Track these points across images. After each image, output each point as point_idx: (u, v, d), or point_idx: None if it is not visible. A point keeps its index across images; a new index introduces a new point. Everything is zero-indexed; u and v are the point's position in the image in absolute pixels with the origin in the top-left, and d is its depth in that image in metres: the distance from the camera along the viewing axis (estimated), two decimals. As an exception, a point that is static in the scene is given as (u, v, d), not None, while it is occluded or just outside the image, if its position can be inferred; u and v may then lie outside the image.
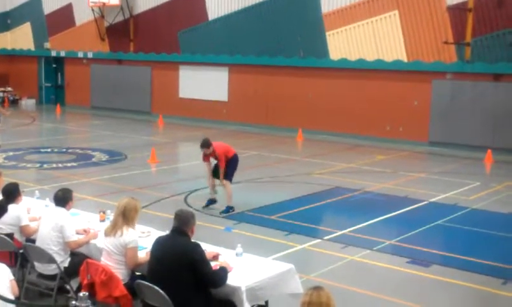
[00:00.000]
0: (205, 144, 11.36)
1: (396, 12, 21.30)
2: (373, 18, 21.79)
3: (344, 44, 22.51)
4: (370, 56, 21.90)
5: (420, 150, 20.30)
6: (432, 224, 11.26)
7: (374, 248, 9.71)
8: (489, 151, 18.25)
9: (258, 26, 24.38)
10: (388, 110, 21.55)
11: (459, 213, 12.12)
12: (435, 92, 20.70)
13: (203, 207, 11.69)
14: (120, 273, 6.18)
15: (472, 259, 9.37)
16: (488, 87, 19.80)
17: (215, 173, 11.62)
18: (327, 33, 22.82)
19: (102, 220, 7.63)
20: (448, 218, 11.67)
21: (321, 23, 22.91)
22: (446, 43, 20.13)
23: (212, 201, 11.83)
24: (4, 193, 7.45)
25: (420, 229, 10.91)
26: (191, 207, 11.51)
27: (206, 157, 11.57)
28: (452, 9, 20.10)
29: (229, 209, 11.55)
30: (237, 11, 25.00)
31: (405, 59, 21.24)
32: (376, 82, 21.81)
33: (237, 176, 15.06)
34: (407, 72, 21.17)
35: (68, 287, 6.78)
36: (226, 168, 11.46)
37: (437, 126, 20.72)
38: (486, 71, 19.76)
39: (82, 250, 6.93)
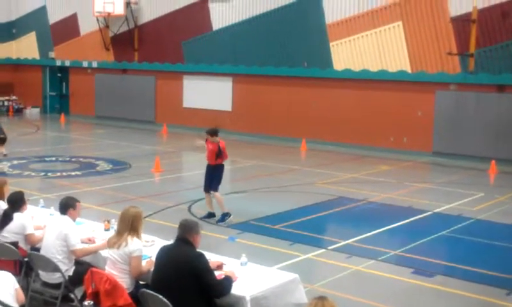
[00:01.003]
0: (215, 132, 11.56)
1: (400, 23, 21.35)
2: (377, 29, 21.84)
3: (347, 55, 22.55)
4: (374, 67, 21.93)
5: (424, 161, 20.29)
6: (436, 235, 11.24)
7: (379, 258, 9.70)
8: (493, 162, 18.22)
9: (262, 36, 24.45)
10: (392, 120, 21.56)
11: (463, 223, 12.10)
12: (439, 103, 20.71)
13: (201, 218, 11.62)
14: (125, 282, 6.18)
15: (475, 269, 9.35)
16: (491, 98, 19.80)
17: (206, 186, 11.61)
18: (331, 44, 22.88)
19: (107, 229, 7.64)
20: (452, 229, 11.66)
21: (325, 33, 22.96)
22: (450, 54, 20.15)
23: (211, 215, 11.73)
24: (9, 202, 7.47)
25: (424, 240, 10.89)
26: (195, 216, 11.52)
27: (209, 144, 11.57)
28: (456, 20, 20.14)
29: (224, 216, 11.52)
30: (241, 21, 25.08)
31: (409, 70, 21.26)
32: (380, 92, 21.84)
33: (240, 185, 15.09)
34: (411, 83, 21.19)
35: (72, 296, 6.78)
36: (212, 177, 11.51)
37: (441, 136, 20.71)
38: (489, 82, 19.78)
39: (87, 259, 6.94)
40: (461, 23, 20.04)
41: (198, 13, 26.25)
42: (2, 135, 18.41)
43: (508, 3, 19.34)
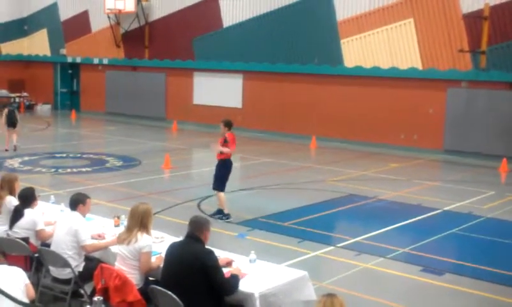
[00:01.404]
0: (230, 124, 11.46)
1: (411, 20, 21.26)
2: (388, 26, 21.76)
3: (358, 51, 22.49)
4: (385, 64, 21.86)
5: (435, 158, 20.21)
6: (446, 233, 11.20)
7: (388, 256, 9.69)
8: (504, 160, 18.12)
9: (272, 33, 24.43)
10: (403, 118, 21.49)
11: (473, 222, 12.05)
12: (450, 100, 20.62)
13: (210, 215, 11.55)
14: (134, 278, 6.22)
15: (485, 268, 9.32)
16: (503, 96, 19.68)
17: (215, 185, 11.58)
18: (342, 40, 22.83)
19: (117, 225, 7.68)
20: (462, 227, 11.61)
21: (336, 30, 22.91)
22: (461, 51, 20.05)
23: (220, 211, 11.66)
24: (20, 198, 7.53)
25: (434, 238, 10.86)
26: (205, 213, 11.54)
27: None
28: (468, 17, 20.03)
29: (222, 215, 11.51)
30: (252, 18, 25.07)
31: (420, 67, 21.18)
32: (391, 89, 21.77)
33: (250, 182, 15.11)
34: (422, 80, 21.11)
35: (82, 291, 6.82)
36: (217, 175, 11.49)
37: (452, 134, 20.61)
38: (501, 79, 19.66)
39: (97, 255, 6.97)
40: (473, 20, 19.93)
41: (209, 10, 26.26)
42: (14, 121, 18.72)
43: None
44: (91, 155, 18.65)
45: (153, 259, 6.40)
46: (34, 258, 7.05)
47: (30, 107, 32.32)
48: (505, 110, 19.56)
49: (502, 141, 19.53)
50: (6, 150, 18.45)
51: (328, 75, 23.10)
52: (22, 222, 7.28)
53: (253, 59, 24.92)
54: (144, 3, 28.17)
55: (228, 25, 25.79)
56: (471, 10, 19.99)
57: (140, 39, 28.65)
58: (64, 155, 18.87)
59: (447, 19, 20.54)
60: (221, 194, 11.58)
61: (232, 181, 15.49)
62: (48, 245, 7.08)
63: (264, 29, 24.67)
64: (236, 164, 18.42)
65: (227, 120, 11.64)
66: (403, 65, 21.48)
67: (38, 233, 7.32)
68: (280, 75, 24.34)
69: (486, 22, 19.72)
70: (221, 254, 6.40)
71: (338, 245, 10.26)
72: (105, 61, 30.28)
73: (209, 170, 11.39)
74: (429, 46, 20.98)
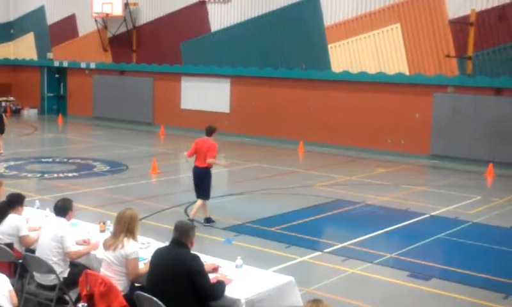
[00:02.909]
0: (213, 131, 11.33)
1: (398, 25, 21.36)
2: (375, 31, 21.85)
3: (346, 57, 22.56)
4: (372, 69, 21.94)
5: (422, 163, 20.29)
6: (433, 238, 11.23)
7: (375, 261, 9.69)
8: (490, 165, 18.23)
9: (260, 38, 24.46)
10: (390, 123, 21.56)
11: (460, 227, 12.09)
12: (437, 105, 20.72)
13: (204, 224, 11.41)
14: (120, 284, 6.16)
15: (472, 273, 9.34)
16: (489, 101, 19.80)
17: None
18: (329, 46, 22.88)
19: (102, 231, 7.62)
20: (449, 232, 11.64)
21: (323, 35, 22.97)
22: (448, 56, 20.17)
23: (209, 220, 11.47)
24: (8, 199, 7.46)
25: (421, 243, 10.88)
26: (189, 218, 11.47)
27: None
28: (454, 23, 20.15)
29: (210, 220, 11.45)
30: (240, 23, 25.08)
31: (407, 72, 21.27)
32: (378, 94, 21.84)
33: (238, 187, 15.09)
34: (409, 85, 21.20)
35: (67, 298, 6.76)
36: (202, 185, 11.22)
37: (439, 139, 20.71)
38: (487, 85, 19.79)
39: (82, 260, 6.91)
40: (459, 26, 20.06)
41: (196, 14, 26.25)
42: (2, 126, 18.64)
43: (506, 6, 19.36)
44: (77, 160, 18.54)
45: (141, 265, 6.35)
46: (18, 264, 6.97)
47: (17, 112, 32.10)
48: (491, 116, 19.68)
49: (488, 146, 19.65)
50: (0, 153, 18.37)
51: (316, 80, 23.15)
52: (6, 228, 7.18)
53: (241, 64, 24.92)
54: (132, 7, 28.11)
55: (216, 30, 25.78)
56: (457, 16, 20.12)
57: (128, 43, 28.57)
58: (51, 159, 18.74)
59: (433, 25, 20.66)
60: (206, 202, 11.45)
61: (220, 186, 15.49)
62: (33, 251, 7.01)
63: (252, 34, 24.69)
64: (223, 169, 18.41)
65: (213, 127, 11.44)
66: (390, 70, 21.57)
67: (21, 239, 7.24)
68: (267, 80, 24.35)
69: (472, 28, 19.84)
70: (207, 260, 6.37)
71: (326, 250, 10.25)
72: (92, 65, 30.16)
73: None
74: (415, 51, 21.09)
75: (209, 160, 11.17)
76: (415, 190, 15.83)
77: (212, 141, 11.28)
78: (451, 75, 20.42)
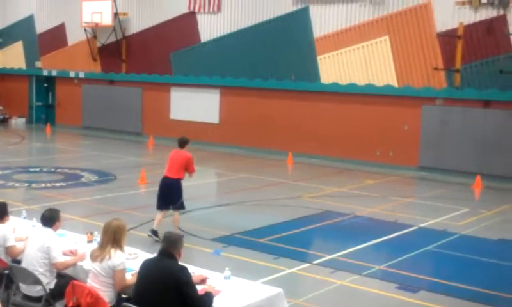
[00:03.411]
0: (186, 142, 11.14)
1: (387, 38, 21.48)
2: (364, 43, 21.94)
3: (335, 68, 22.63)
4: (361, 81, 22.02)
5: (410, 175, 20.35)
6: (422, 250, 11.24)
7: (363, 273, 9.68)
8: (478, 177, 18.31)
9: (250, 49, 24.49)
10: (379, 134, 21.63)
11: (448, 239, 12.12)
12: (425, 117, 20.81)
13: (149, 234, 10.93)
14: (107, 295, 6.12)
15: (460, 285, 9.35)
16: (477, 114, 19.92)
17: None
18: (318, 57, 22.95)
19: (90, 242, 7.57)
20: (437, 244, 11.67)
21: (313, 47, 23.04)
22: (436, 69, 20.28)
23: (155, 232, 10.89)
24: (-8, 210, 7.39)
25: (409, 255, 10.89)
26: (180, 229, 11.43)
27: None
28: (442, 36, 20.29)
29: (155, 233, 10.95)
30: (230, 34, 25.11)
31: (395, 84, 21.37)
32: (367, 106, 21.91)
33: (226, 198, 15.04)
34: (397, 97, 21.28)
35: (53, 309, 6.70)
36: (173, 196, 10.93)
37: (427, 151, 20.79)
38: (475, 97, 19.91)
39: (69, 272, 6.85)
40: (447, 38, 20.20)
41: (186, 24, 26.26)
42: None
43: (494, 19, 19.52)
44: (65, 170, 18.43)
45: (129, 276, 6.31)
46: (4, 274, 6.90)
47: (4, 121, 31.91)
48: (480, 128, 19.79)
49: (476, 158, 19.74)
50: None
51: (305, 91, 23.20)
52: (-8, 238, 7.13)
53: (231, 75, 24.94)
54: (121, 17, 28.08)
55: (206, 41, 25.80)
56: (445, 29, 20.26)
57: (117, 53, 28.53)
58: (38, 169, 18.63)
59: (421, 37, 20.79)
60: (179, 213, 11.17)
61: (208, 197, 15.46)
62: (19, 262, 6.95)
63: (242, 45, 24.73)
64: (212, 180, 18.38)
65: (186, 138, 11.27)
66: (379, 82, 21.66)
67: (8, 249, 7.17)
68: (257, 91, 24.37)
69: (460, 41, 19.98)
70: (195, 271, 6.34)
71: (314, 262, 10.23)
72: (81, 75, 30.06)
73: (184, 186, 11.26)
74: (404, 64, 21.20)
75: (193, 174, 11.19)
76: (403, 202, 15.87)
77: (185, 152, 11.12)
78: (439, 88, 20.54)
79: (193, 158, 11.17)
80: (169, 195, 10.96)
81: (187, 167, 11.03)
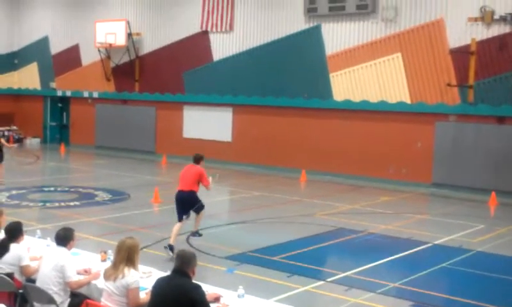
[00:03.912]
0: (201, 158, 11.54)
1: (399, 54, 21.48)
2: (376, 60, 21.96)
3: (347, 85, 22.65)
4: (373, 98, 22.01)
5: (424, 192, 20.24)
6: (437, 267, 11.15)
7: (378, 291, 9.60)
8: (493, 193, 18.17)
9: (262, 67, 24.59)
10: (392, 151, 21.57)
11: (464, 256, 12.02)
12: (438, 134, 20.74)
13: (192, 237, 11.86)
14: (120, 314, 6.11)
15: (476, 302, 9.24)
16: (491, 130, 19.82)
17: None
18: (331, 74, 22.99)
19: (103, 260, 7.58)
20: (452, 261, 11.57)
21: (325, 64, 23.09)
22: (449, 85, 20.24)
23: (171, 248, 11.02)
24: (6, 232, 7.42)
25: (424, 272, 10.80)
26: (193, 247, 11.44)
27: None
28: (455, 52, 20.26)
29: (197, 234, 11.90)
30: (242, 52, 25.24)
31: (408, 101, 21.33)
32: (380, 123, 21.89)
33: (239, 216, 15.04)
34: (410, 114, 21.24)
35: (67, 328, 6.70)
36: (190, 206, 11.34)
37: (440, 168, 20.69)
38: (489, 113, 19.82)
39: (83, 290, 6.86)
40: (460, 55, 20.16)
41: (199, 44, 26.44)
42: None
43: (506, 35, 19.48)
44: (79, 189, 18.52)
45: (142, 294, 6.31)
46: (18, 294, 6.92)
47: (19, 141, 32.17)
48: (493, 144, 19.68)
49: (490, 175, 19.61)
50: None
51: (317, 109, 23.22)
52: (7, 257, 7.16)
53: (243, 93, 25.03)
54: (135, 37, 28.34)
55: (218, 59, 25.95)
56: (458, 45, 20.24)
57: (130, 72, 28.75)
58: (53, 188, 18.74)
59: (434, 54, 20.78)
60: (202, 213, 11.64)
61: (221, 214, 15.46)
62: (34, 281, 6.97)
63: (254, 63, 24.83)
64: (225, 198, 18.39)
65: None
66: (392, 99, 21.63)
67: (23, 269, 7.20)
68: (269, 109, 24.43)
69: (472, 57, 19.95)
70: (208, 289, 6.33)
71: (328, 279, 10.17)
72: (95, 95, 30.31)
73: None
74: (417, 80, 21.17)
75: (210, 187, 11.50)
76: (417, 219, 15.77)
77: (199, 167, 11.41)
78: (453, 104, 20.47)
79: (205, 172, 11.45)
80: (186, 206, 11.34)
81: (201, 180, 11.31)
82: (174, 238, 11.16)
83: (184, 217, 11.33)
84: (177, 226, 11.29)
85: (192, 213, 11.49)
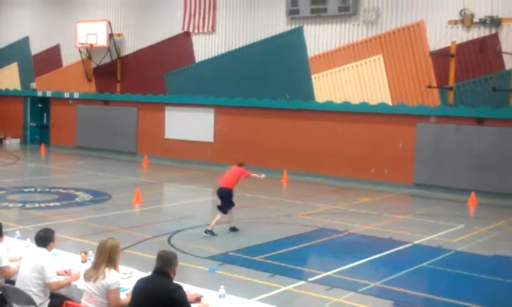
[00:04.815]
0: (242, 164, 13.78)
1: (380, 56, 21.62)
2: (358, 61, 22.08)
3: (329, 87, 22.74)
4: (355, 99, 22.12)
5: (405, 192, 20.38)
6: (417, 267, 11.24)
7: (359, 290, 9.66)
8: (472, 193, 18.36)
9: (244, 69, 24.61)
10: (373, 152, 21.69)
11: (443, 255, 12.12)
12: (419, 135, 20.90)
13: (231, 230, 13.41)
14: (101, 315, 6.09)
15: (456, 301, 9.33)
16: (471, 131, 20.02)
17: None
18: (312, 76, 23.07)
19: (84, 261, 7.54)
20: (432, 260, 11.66)
21: (307, 66, 23.16)
22: (429, 87, 20.40)
23: (213, 233, 12.96)
24: (-15, 231, 7.35)
25: (405, 272, 10.88)
26: (175, 248, 11.42)
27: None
28: (435, 54, 20.44)
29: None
30: (224, 54, 25.23)
31: (389, 102, 21.47)
32: (361, 124, 22.00)
33: (221, 217, 14.97)
34: (391, 115, 21.39)
35: (47, 329, 6.66)
36: (225, 202, 13.31)
37: (421, 168, 20.85)
38: (469, 114, 20.01)
39: (63, 291, 6.82)
40: (440, 57, 20.34)
41: (181, 45, 26.38)
42: None
43: (486, 38, 19.68)
44: (60, 190, 18.39)
45: (123, 295, 6.29)
46: (-3, 295, 6.87)
47: (-1, 141, 31.89)
48: (473, 145, 19.89)
49: (470, 175, 19.81)
50: None
51: (299, 110, 23.28)
52: (-14, 259, 7.09)
53: (225, 94, 25.02)
54: (116, 38, 28.19)
55: (201, 60, 25.91)
56: (438, 47, 20.40)
57: (112, 73, 28.60)
58: (33, 189, 18.59)
59: (415, 56, 20.94)
60: (233, 211, 13.50)
61: (203, 215, 15.44)
62: (13, 283, 6.91)
63: (236, 65, 24.84)
64: (207, 198, 18.37)
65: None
66: (373, 100, 21.76)
67: (2, 270, 7.14)
68: (251, 110, 24.45)
69: (452, 59, 20.14)
70: (190, 289, 6.32)
71: (310, 279, 10.21)
72: (76, 95, 30.09)
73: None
74: (398, 82, 21.33)
75: (253, 175, 14.15)
76: (398, 219, 15.88)
77: (239, 168, 13.67)
78: (433, 105, 20.65)
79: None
80: (223, 201, 13.34)
81: (242, 176, 13.67)
82: (214, 224, 13.03)
83: (227, 209, 13.23)
84: (218, 216, 13.15)
85: (216, 212, 13.38)
